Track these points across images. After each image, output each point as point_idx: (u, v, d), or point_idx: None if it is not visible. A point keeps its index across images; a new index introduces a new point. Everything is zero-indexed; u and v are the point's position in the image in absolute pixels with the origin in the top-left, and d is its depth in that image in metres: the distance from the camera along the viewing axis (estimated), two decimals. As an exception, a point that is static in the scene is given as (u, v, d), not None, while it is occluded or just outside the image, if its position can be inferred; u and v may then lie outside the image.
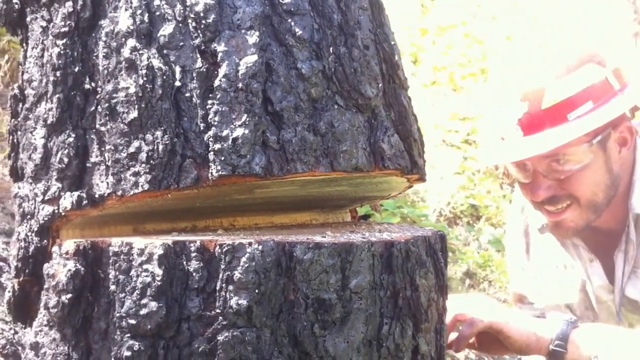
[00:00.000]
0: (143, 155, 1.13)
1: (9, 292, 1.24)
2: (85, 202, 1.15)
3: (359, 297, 1.15)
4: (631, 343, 1.89)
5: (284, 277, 1.11)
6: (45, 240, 1.20)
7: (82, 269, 1.12)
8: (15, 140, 1.27)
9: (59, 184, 1.18)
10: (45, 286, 1.15)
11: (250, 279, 1.08)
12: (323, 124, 1.18)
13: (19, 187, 1.25)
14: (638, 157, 2.14)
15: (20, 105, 1.26)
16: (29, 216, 1.22)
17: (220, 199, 1.25)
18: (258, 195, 1.28)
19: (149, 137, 1.13)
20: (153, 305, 1.09)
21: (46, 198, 1.19)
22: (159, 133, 1.12)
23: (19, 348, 1.89)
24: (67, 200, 1.16)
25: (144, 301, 1.09)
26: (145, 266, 1.09)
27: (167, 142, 1.12)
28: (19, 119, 1.25)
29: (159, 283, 1.08)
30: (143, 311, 1.09)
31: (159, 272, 1.09)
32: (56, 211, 1.18)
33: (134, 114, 1.13)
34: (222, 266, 1.09)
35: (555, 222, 2.15)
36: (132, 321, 1.09)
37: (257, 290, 1.08)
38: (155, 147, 1.12)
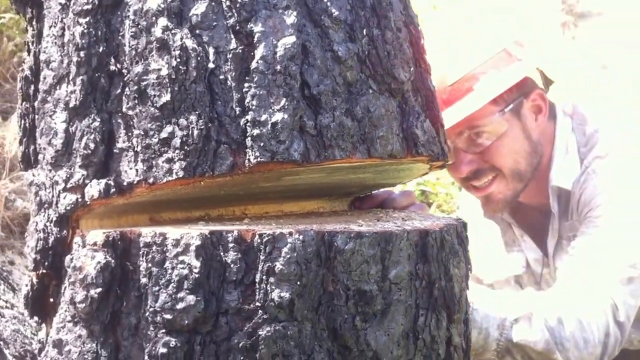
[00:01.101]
0: (177, 141, 1.06)
1: (26, 285, 1.16)
2: (112, 190, 1.08)
3: (398, 288, 1.11)
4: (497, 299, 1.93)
5: (323, 268, 1.06)
6: (65, 231, 1.13)
7: (112, 261, 1.05)
8: (27, 124, 1.19)
9: (84, 171, 1.10)
10: (71, 280, 1.07)
11: (292, 271, 1.03)
12: (360, 108, 1.13)
13: (33, 174, 1.17)
14: (558, 131, 2.24)
15: (32, 87, 1.18)
16: (46, 205, 1.15)
17: (246, 187, 1.19)
18: (283, 183, 1.22)
19: (182, 121, 1.06)
20: (190, 299, 1.03)
21: (68, 186, 1.11)
22: (193, 117, 1.06)
23: (1, 343, 1.80)
24: (94, 188, 1.09)
25: (180, 295, 1.03)
26: (181, 257, 1.03)
27: (202, 127, 1.06)
28: (36, 102, 1.17)
29: (197, 275, 1.03)
30: (180, 305, 1.03)
31: (196, 263, 1.03)
32: (80, 200, 1.10)
33: (166, 97, 1.06)
34: (262, 257, 1.04)
35: (485, 198, 2.24)
36: (168, 316, 1.03)
37: (298, 282, 1.03)
38: (190, 132, 1.06)
